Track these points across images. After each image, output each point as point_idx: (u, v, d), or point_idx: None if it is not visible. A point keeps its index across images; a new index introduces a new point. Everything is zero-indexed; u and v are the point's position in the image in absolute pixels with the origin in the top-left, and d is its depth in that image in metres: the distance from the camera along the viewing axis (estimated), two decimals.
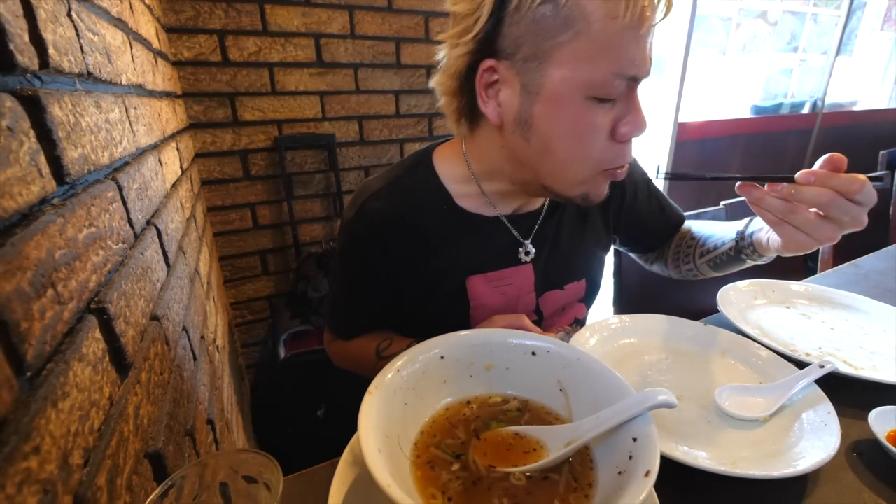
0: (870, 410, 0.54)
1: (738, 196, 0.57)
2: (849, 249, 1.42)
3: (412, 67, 1.63)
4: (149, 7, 0.94)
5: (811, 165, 0.51)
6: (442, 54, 0.59)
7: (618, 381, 0.43)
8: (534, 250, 0.69)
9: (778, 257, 0.62)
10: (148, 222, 0.56)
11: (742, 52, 2.68)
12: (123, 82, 0.58)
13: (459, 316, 0.67)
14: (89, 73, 0.43)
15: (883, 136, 3.20)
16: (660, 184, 0.85)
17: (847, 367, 0.64)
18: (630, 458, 0.36)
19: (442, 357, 0.47)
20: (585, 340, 0.68)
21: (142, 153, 0.60)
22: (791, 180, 0.51)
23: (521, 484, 0.39)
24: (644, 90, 0.54)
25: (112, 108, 0.49)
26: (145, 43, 0.81)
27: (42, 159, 0.30)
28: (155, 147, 0.71)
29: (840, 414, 0.53)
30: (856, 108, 3.32)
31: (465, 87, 0.58)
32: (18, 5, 0.31)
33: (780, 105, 2.95)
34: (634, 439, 0.37)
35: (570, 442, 0.40)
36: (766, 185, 0.54)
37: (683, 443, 0.52)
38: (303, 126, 1.51)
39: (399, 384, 0.43)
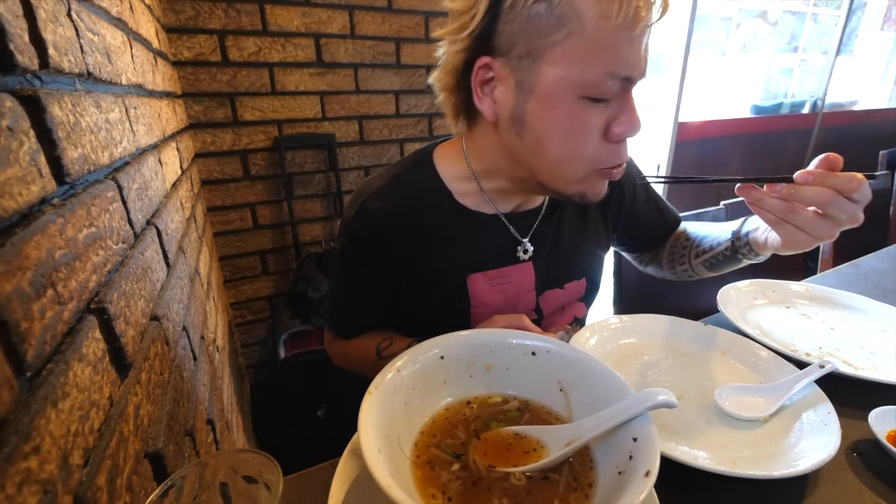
0: (870, 410, 0.54)
1: (737, 196, 0.58)
2: (849, 249, 1.42)
3: (412, 67, 1.63)
4: (149, 7, 0.94)
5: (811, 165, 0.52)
6: (441, 51, 0.60)
7: (618, 381, 0.43)
8: (531, 249, 0.69)
9: (776, 256, 0.62)
10: (148, 222, 0.56)
11: (742, 52, 2.68)
12: (123, 82, 0.58)
13: (460, 314, 0.67)
14: (89, 73, 0.43)
15: (883, 136, 3.20)
16: (660, 186, 0.85)
17: (847, 367, 0.64)
18: (630, 458, 0.36)
19: (442, 357, 0.47)
20: (585, 340, 0.68)
21: (142, 153, 0.60)
22: (790, 180, 0.51)
23: (521, 484, 0.39)
24: (644, 90, 0.54)
25: (112, 108, 0.49)
26: (145, 43, 0.81)
27: (42, 159, 0.30)
28: (155, 147, 0.71)
29: (840, 414, 0.53)
30: (856, 108, 3.32)
31: (462, 83, 0.58)
32: (18, 5, 0.31)
33: (780, 105, 2.95)
34: (634, 439, 0.37)
35: (570, 442, 0.40)
36: (764, 186, 0.55)
37: (683, 443, 0.52)
38: (303, 126, 1.51)
39: (399, 384, 0.43)
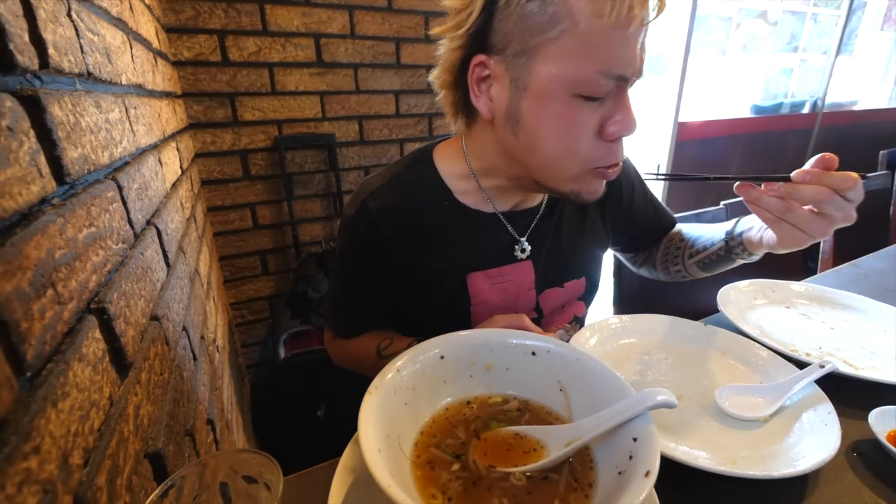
0: (870, 410, 0.54)
1: (737, 196, 0.58)
2: (849, 249, 1.42)
3: (412, 67, 1.63)
4: (149, 7, 0.94)
5: None
6: (441, 49, 0.60)
7: (618, 381, 0.43)
8: (529, 247, 0.69)
9: (776, 256, 0.63)
10: (148, 222, 0.56)
11: (742, 52, 2.68)
12: (123, 82, 0.58)
13: (460, 313, 0.67)
14: (89, 73, 0.43)
15: (883, 136, 3.21)
16: (658, 184, 0.85)
17: (847, 367, 0.64)
18: (630, 458, 0.36)
19: (442, 357, 0.47)
20: (585, 340, 0.68)
21: (142, 153, 0.60)
22: (787, 179, 0.52)
23: (521, 484, 0.39)
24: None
25: (112, 108, 0.49)
26: (145, 43, 0.81)
27: (42, 159, 0.30)
28: (155, 147, 0.71)
29: (840, 414, 0.53)
30: (856, 108, 3.32)
31: (460, 81, 0.59)
32: (18, 5, 0.31)
33: (780, 105, 2.95)
34: (634, 439, 0.37)
35: (570, 442, 0.40)
36: (762, 185, 0.55)
37: (683, 443, 0.52)
38: (303, 126, 1.51)
39: (399, 384, 0.43)
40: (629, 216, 0.80)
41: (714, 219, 1.20)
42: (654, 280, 0.90)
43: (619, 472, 0.37)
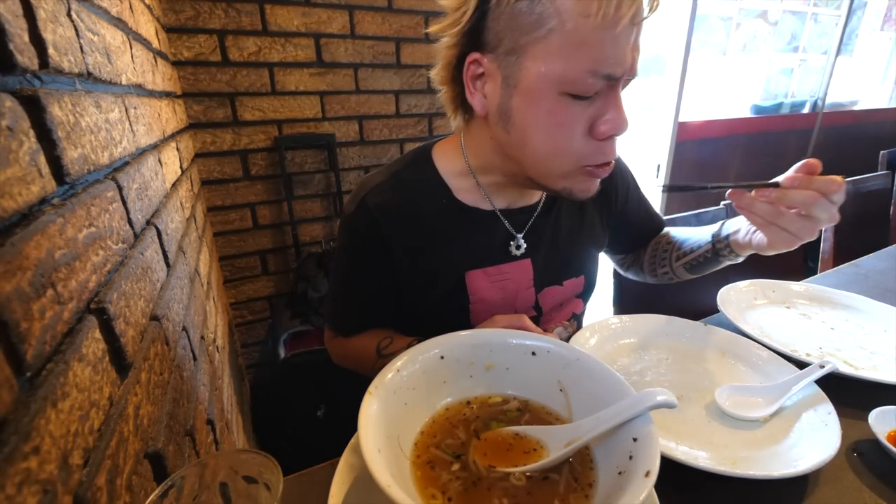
0: (870, 410, 0.54)
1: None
2: (849, 249, 1.42)
3: (412, 67, 1.63)
4: (149, 7, 0.94)
5: None
6: None
7: (618, 381, 0.43)
8: (525, 245, 0.69)
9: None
10: (148, 222, 0.56)
11: (742, 52, 2.68)
12: (123, 82, 0.58)
13: (459, 311, 0.68)
14: (89, 73, 0.43)
15: (883, 136, 3.21)
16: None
17: (847, 367, 0.64)
18: (630, 458, 0.36)
19: (442, 357, 0.47)
20: (585, 340, 0.68)
21: (142, 153, 0.60)
22: (776, 185, 0.55)
23: (521, 484, 0.39)
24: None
25: (112, 108, 0.49)
26: (145, 43, 0.81)
27: (42, 159, 0.30)
28: (155, 147, 0.71)
29: (840, 414, 0.53)
30: (856, 108, 3.32)
31: (457, 78, 0.60)
32: (18, 5, 0.31)
33: (780, 105, 2.95)
34: (634, 439, 0.37)
35: (570, 442, 0.40)
36: (752, 191, 0.57)
37: (683, 443, 0.52)
38: (303, 126, 1.51)
39: (399, 384, 0.43)
40: (622, 216, 0.81)
41: (714, 219, 1.20)
42: None
43: (619, 472, 0.37)
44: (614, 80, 0.52)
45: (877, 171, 1.70)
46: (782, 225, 0.55)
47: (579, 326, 0.81)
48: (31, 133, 0.30)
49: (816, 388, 0.58)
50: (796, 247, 0.57)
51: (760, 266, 0.75)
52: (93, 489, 0.29)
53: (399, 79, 1.62)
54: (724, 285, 0.86)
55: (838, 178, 0.52)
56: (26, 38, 0.31)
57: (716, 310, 0.80)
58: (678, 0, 2.14)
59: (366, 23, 1.51)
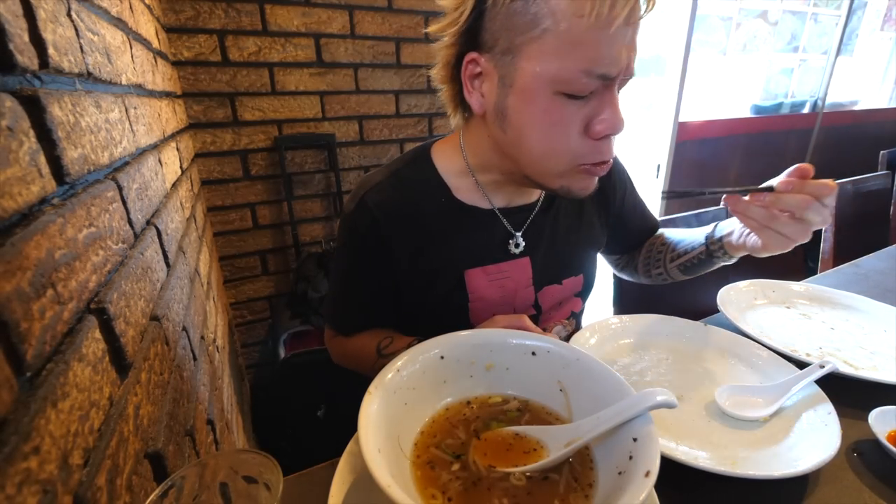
0: (870, 410, 0.54)
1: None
2: (849, 249, 1.42)
3: (412, 67, 1.63)
4: (149, 7, 0.94)
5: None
6: None
7: (618, 381, 0.43)
8: (523, 243, 0.69)
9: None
10: (148, 222, 0.56)
11: (742, 52, 2.68)
12: (123, 82, 0.58)
13: (458, 310, 0.68)
14: (89, 73, 0.43)
15: (883, 136, 3.20)
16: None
17: (847, 367, 0.64)
18: (630, 458, 0.36)
19: (442, 357, 0.47)
20: (585, 340, 0.68)
21: (142, 153, 0.60)
22: (771, 190, 0.55)
23: (521, 484, 0.39)
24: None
25: (112, 108, 0.49)
26: (145, 43, 0.81)
27: (42, 159, 0.30)
28: (155, 147, 0.71)
29: (840, 414, 0.53)
30: (856, 108, 3.32)
31: (456, 77, 0.61)
32: (18, 5, 0.31)
33: (780, 105, 2.95)
34: (634, 439, 0.37)
35: (570, 442, 0.40)
36: (747, 196, 0.58)
37: (683, 443, 0.52)
38: (303, 126, 1.51)
39: (399, 384, 0.43)
40: (619, 217, 0.82)
41: (714, 218, 1.20)
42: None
43: (619, 473, 0.37)
44: (609, 80, 0.52)
45: (877, 171, 1.70)
46: (777, 228, 0.56)
47: (578, 325, 0.81)
48: (31, 133, 0.30)
49: (816, 388, 0.58)
50: (790, 249, 0.58)
51: (760, 266, 0.75)
52: (93, 489, 0.29)
53: (399, 79, 1.62)
54: (724, 285, 0.86)
55: (831, 182, 0.53)
56: (26, 38, 0.31)
57: (716, 310, 0.81)
58: (678, 0, 2.15)
59: (366, 23, 1.51)
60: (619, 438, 0.39)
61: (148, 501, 0.30)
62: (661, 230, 0.87)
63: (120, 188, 0.45)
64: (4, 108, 0.27)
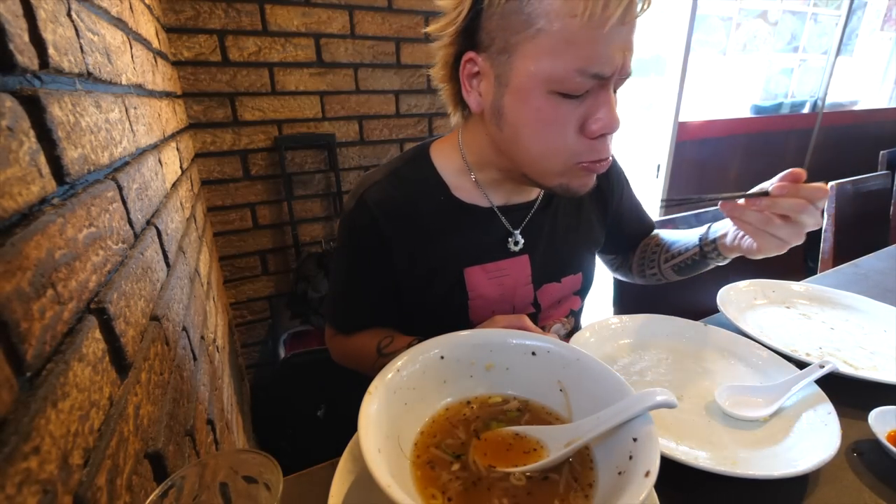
0: (870, 410, 0.54)
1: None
2: (849, 249, 1.42)
3: (412, 67, 1.63)
4: (149, 7, 0.94)
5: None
6: None
7: (617, 381, 0.43)
8: (522, 241, 0.70)
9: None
10: (148, 222, 0.56)
11: (742, 52, 2.68)
12: (123, 82, 0.58)
13: (458, 307, 0.68)
14: (89, 73, 0.43)
15: (883, 136, 3.20)
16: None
17: (847, 367, 0.64)
18: (630, 458, 0.36)
19: (442, 357, 0.47)
20: (585, 340, 0.68)
21: (142, 153, 0.60)
22: (766, 194, 0.56)
23: (521, 484, 0.39)
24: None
25: (112, 108, 0.49)
26: (145, 43, 0.81)
27: (42, 159, 0.30)
28: (155, 147, 0.71)
29: (840, 414, 0.53)
30: (856, 108, 3.32)
31: (454, 76, 0.61)
32: (18, 5, 0.31)
33: (780, 105, 2.95)
34: (634, 439, 0.37)
35: (570, 442, 0.40)
36: (742, 200, 0.59)
37: (683, 443, 0.52)
38: (303, 126, 1.51)
39: (399, 384, 0.43)
40: (617, 216, 0.82)
41: (714, 218, 1.21)
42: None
43: (619, 472, 0.37)
44: (604, 80, 0.52)
45: (877, 171, 1.70)
46: (772, 232, 0.57)
47: (577, 323, 0.81)
48: (31, 133, 0.30)
49: (816, 388, 0.58)
50: (784, 251, 0.59)
51: (760, 266, 0.76)
52: (93, 489, 0.29)
53: (399, 79, 1.62)
54: (724, 285, 0.86)
55: (824, 185, 0.54)
56: (26, 38, 0.31)
57: (716, 310, 0.81)
58: (678, 0, 2.14)
59: (366, 23, 1.51)
60: (619, 438, 0.39)
61: (148, 501, 0.30)
62: (655, 231, 0.87)
63: (120, 188, 0.45)
64: (4, 108, 0.27)
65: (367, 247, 0.66)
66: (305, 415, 1.40)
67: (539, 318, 0.74)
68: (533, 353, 0.49)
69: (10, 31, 0.29)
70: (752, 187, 0.60)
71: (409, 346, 0.49)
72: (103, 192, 0.40)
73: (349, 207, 0.67)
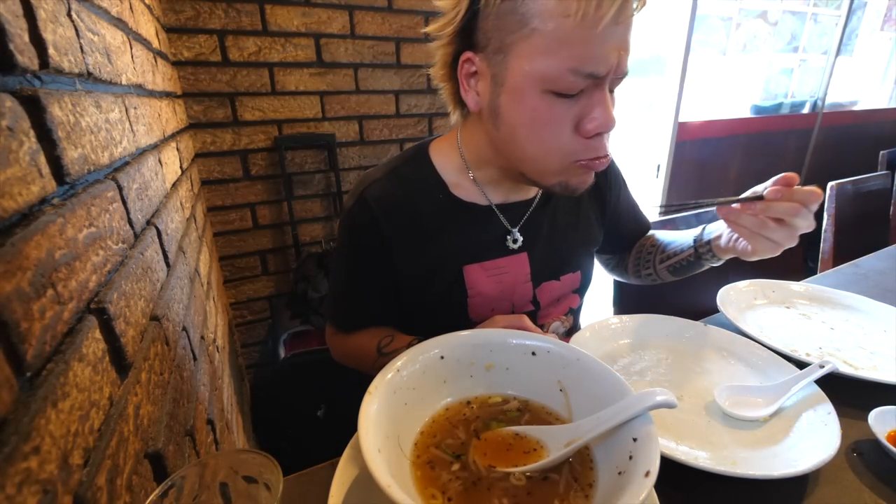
0: (870, 410, 0.54)
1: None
2: (849, 249, 1.42)
3: (412, 67, 1.63)
4: (149, 7, 0.94)
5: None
6: None
7: (618, 381, 0.43)
8: (521, 238, 0.70)
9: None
10: (148, 222, 0.56)
11: (742, 52, 2.68)
12: (123, 82, 0.58)
13: (457, 305, 0.68)
14: (89, 73, 0.43)
15: (883, 136, 3.20)
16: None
17: (847, 367, 0.64)
18: (630, 458, 0.36)
19: (442, 357, 0.47)
20: (585, 340, 0.68)
21: (142, 153, 0.60)
22: (760, 198, 0.57)
23: (521, 484, 0.39)
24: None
25: (112, 108, 0.49)
26: (145, 43, 0.81)
27: (42, 159, 0.30)
28: (155, 147, 0.71)
29: (840, 414, 0.53)
30: (856, 108, 3.32)
31: (454, 76, 0.62)
32: (18, 5, 0.31)
33: (780, 105, 2.94)
34: (634, 439, 0.37)
35: (570, 442, 0.40)
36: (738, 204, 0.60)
37: (683, 443, 0.52)
38: (303, 126, 1.51)
39: (399, 384, 0.43)
40: (614, 216, 0.83)
41: (714, 218, 1.21)
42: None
43: (619, 472, 0.37)
44: (599, 79, 0.52)
45: (877, 171, 1.70)
46: (767, 235, 0.57)
47: (576, 321, 0.81)
48: (32, 133, 0.30)
49: (816, 388, 0.58)
50: (778, 253, 0.60)
51: (760, 266, 0.76)
52: (93, 489, 0.29)
53: (399, 79, 1.62)
54: (724, 285, 0.86)
55: (817, 189, 0.55)
56: (26, 38, 0.31)
57: (716, 310, 0.81)
58: (678, 0, 2.14)
59: (366, 23, 1.51)
60: (619, 438, 0.39)
61: (148, 501, 0.30)
62: (651, 231, 0.88)
63: (120, 188, 0.45)
64: (4, 108, 0.27)
65: (367, 245, 0.67)
66: (305, 415, 1.40)
67: (538, 315, 0.74)
68: (533, 353, 0.49)
69: (10, 31, 0.29)
70: (752, 187, 0.60)
71: (410, 345, 0.49)
72: (103, 192, 0.40)
73: (349, 206, 0.67)
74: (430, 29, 0.60)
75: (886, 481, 0.48)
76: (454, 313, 0.68)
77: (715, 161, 2.67)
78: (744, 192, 0.60)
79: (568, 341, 0.58)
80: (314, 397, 1.40)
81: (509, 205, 0.70)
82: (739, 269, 0.77)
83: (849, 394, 0.58)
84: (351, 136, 1.60)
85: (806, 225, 0.56)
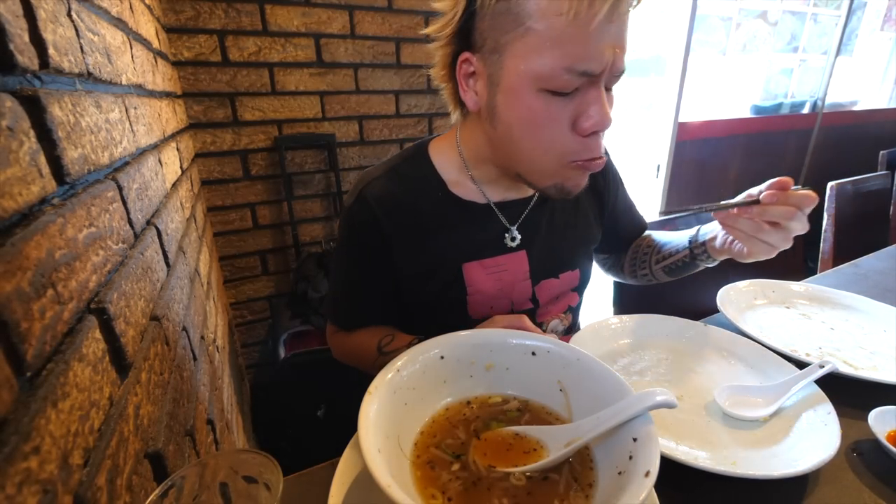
0: (870, 410, 0.54)
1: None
2: (849, 249, 1.42)
3: (412, 67, 1.63)
4: (149, 7, 0.94)
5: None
6: None
7: (617, 381, 0.43)
8: (519, 236, 0.70)
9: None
10: (148, 222, 0.56)
11: (742, 52, 2.68)
12: (123, 82, 0.58)
13: (457, 303, 0.68)
14: (89, 73, 0.43)
15: (883, 136, 3.20)
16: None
17: (847, 367, 0.64)
18: (630, 458, 0.36)
19: (442, 357, 0.47)
20: (585, 340, 0.68)
21: (142, 153, 0.60)
22: (756, 202, 0.58)
23: (521, 484, 0.39)
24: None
25: (112, 108, 0.49)
26: (145, 43, 0.81)
27: (42, 159, 0.30)
28: (155, 147, 0.71)
29: (840, 414, 0.53)
30: (856, 108, 3.32)
31: (453, 76, 0.62)
32: (18, 5, 0.31)
33: (780, 105, 2.94)
34: (634, 439, 0.37)
35: (570, 442, 0.40)
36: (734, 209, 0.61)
37: (683, 443, 0.52)
38: (303, 126, 1.51)
39: (399, 384, 0.43)
40: (612, 216, 0.83)
41: (710, 217, 1.21)
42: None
43: (619, 472, 0.37)
44: (593, 77, 0.52)
45: (877, 171, 1.70)
46: (762, 238, 0.58)
47: (574, 319, 0.82)
48: (32, 133, 0.30)
49: (816, 388, 0.58)
50: (773, 255, 0.60)
51: (760, 266, 0.76)
52: (93, 489, 0.29)
53: (399, 79, 1.62)
54: (724, 285, 0.86)
55: (812, 192, 0.56)
56: (26, 38, 0.31)
57: (716, 310, 0.81)
58: (678, 0, 2.14)
59: (366, 23, 1.51)
60: (619, 438, 0.39)
61: (148, 501, 0.30)
62: (647, 231, 0.88)
63: (120, 188, 0.45)
64: (4, 108, 0.27)
65: (367, 243, 0.67)
66: (305, 415, 1.40)
67: (537, 313, 0.74)
68: (533, 353, 0.49)
69: (11, 31, 0.29)
70: (751, 187, 0.60)
71: (410, 345, 0.49)
72: (103, 192, 0.40)
73: (349, 204, 0.68)
74: (429, 30, 0.61)
75: (886, 481, 0.48)
76: (453, 311, 0.69)
77: (715, 161, 2.67)
78: (744, 191, 0.61)
79: (567, 340, 0.58)
80: (314, 397, 1.40)
81: (507, 203, 0.71)
82: (739, 269, 0.77)
83: (849, 394, 0.58)
84: (351, 136, 1.60)
85: (800, 227, 0.57)
